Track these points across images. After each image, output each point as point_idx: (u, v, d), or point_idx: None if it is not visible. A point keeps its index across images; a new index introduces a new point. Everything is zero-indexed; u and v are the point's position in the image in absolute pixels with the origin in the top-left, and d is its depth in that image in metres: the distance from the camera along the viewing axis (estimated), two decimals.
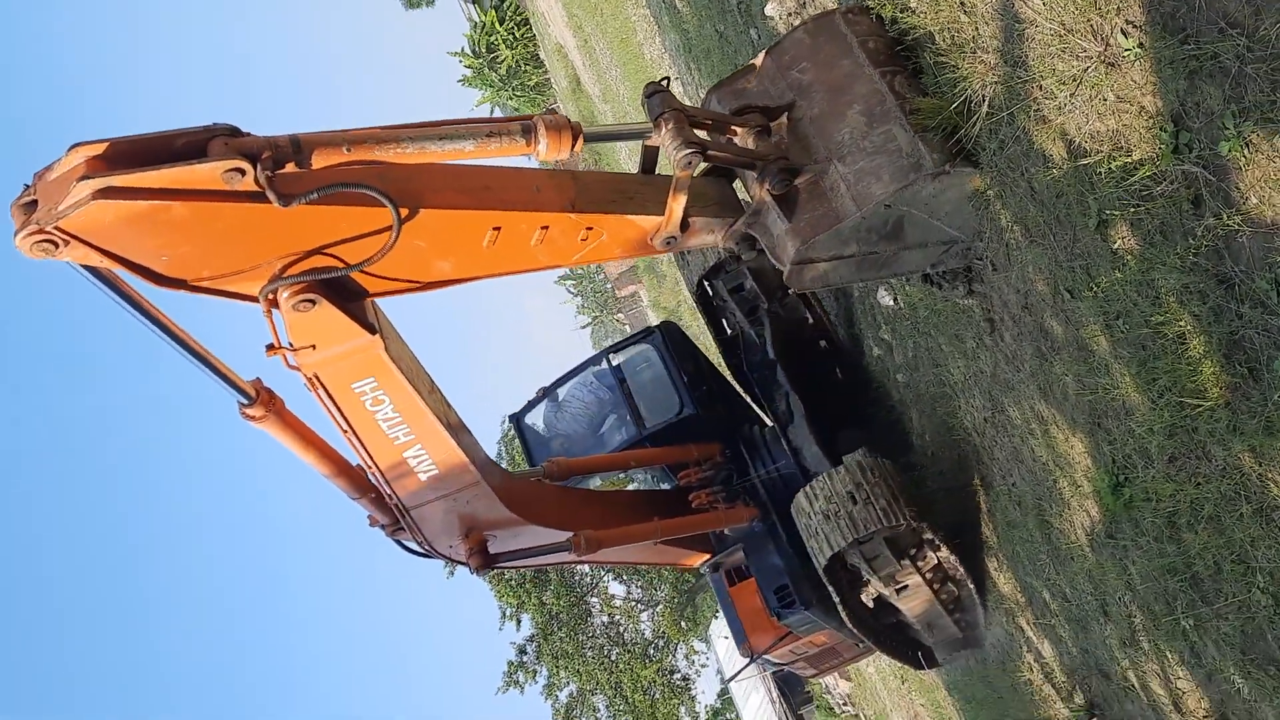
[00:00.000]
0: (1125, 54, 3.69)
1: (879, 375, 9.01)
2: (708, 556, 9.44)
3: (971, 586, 8.22)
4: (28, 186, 3.46)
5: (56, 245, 3.35)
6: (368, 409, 4.81)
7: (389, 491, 5.52)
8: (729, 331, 9.57)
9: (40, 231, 3.31)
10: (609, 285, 56.67)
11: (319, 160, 3.63)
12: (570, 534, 6.97)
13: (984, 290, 5.86)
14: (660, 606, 33.52)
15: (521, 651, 33.39)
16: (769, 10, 8.04)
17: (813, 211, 4.75)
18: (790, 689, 31.97)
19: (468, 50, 46.76)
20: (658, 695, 32.71)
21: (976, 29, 4.67)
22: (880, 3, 5.29)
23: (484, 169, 4.40)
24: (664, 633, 33.25)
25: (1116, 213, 4.12)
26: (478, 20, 47.18)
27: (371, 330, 4.36)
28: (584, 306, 60.92)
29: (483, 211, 4.22)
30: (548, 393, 10.22)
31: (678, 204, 4.67)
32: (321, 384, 4.58)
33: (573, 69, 30.86)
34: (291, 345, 4.28)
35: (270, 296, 3.99)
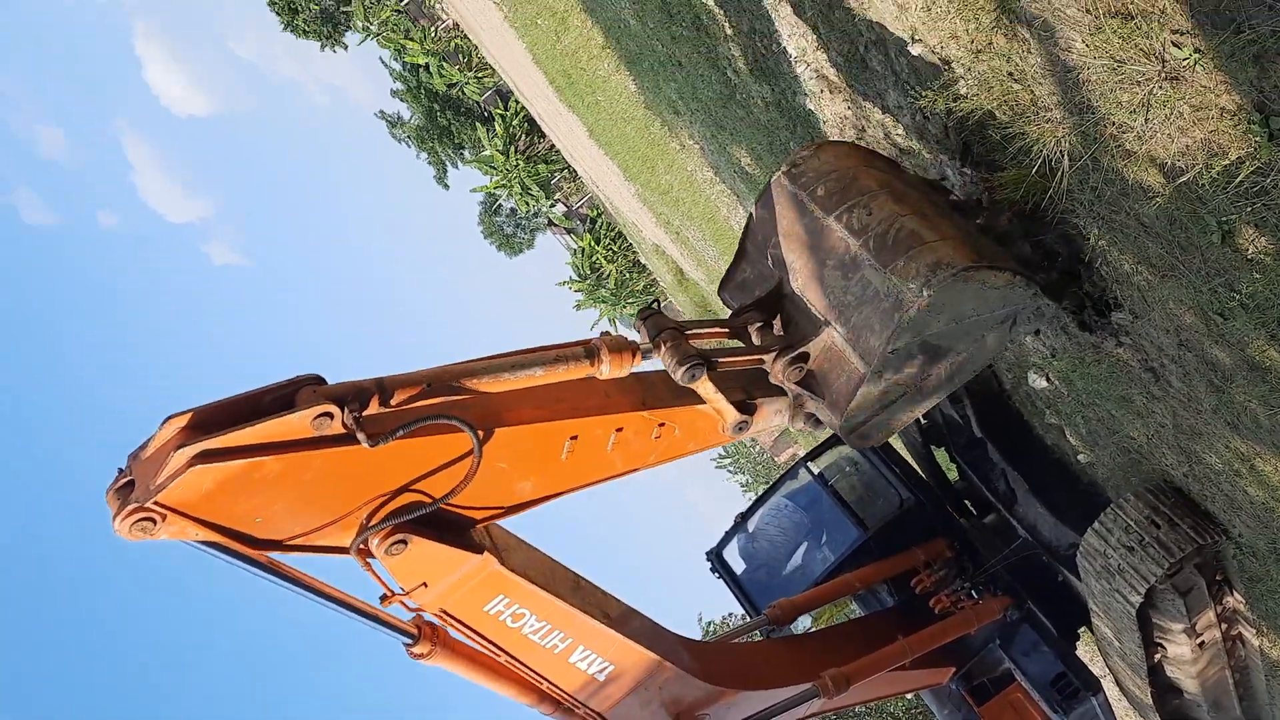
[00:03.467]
0: (1184, 64, 3.63)
1: (1059, 463, 8.55)
2: (953, 670, 8.77)
3: (1258, 642, 7.37)
4: (121, 470, 3.50)
5: (155, 522, 3.32)
6: (511, 626, 4.68)
7: (576, 701, 5.29)
8: (923, 421, 9.27)
9: (139, 510, 3.29)
10: (766, 454, 56.25)
11: (400, 397, 3.75)
12: (808, 684, 6.60)
13: (1133, 341, 5.59)
14: None
15: None
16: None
17: (837, 379, 4.58)
18: None
19: (574, 276, 49.04)
20: None
21: (1032, 92, 4.68)
22: (931, 99, 5.37)
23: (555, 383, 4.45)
24: None
25: (1235, 218, 3.93)
26: (576, 247, 49.68)
27: (478, 550, 4.31)
28: (749, 484, 60.37)
29: (559, 422, 4.27)
30: (745, 517, 9.85)
31: (714, 404, 4.64)
32: (453, 617, 4.49)
33: (673, 262, 31.90)
34: (404, 590, 4.25)
35: (362, 547, 3.99)
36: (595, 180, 38.08)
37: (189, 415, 3.46)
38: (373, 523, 3.92)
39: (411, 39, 49.88)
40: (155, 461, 3.41)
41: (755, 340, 4.77)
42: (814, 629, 9.91)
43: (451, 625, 4.55)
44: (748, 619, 9.23)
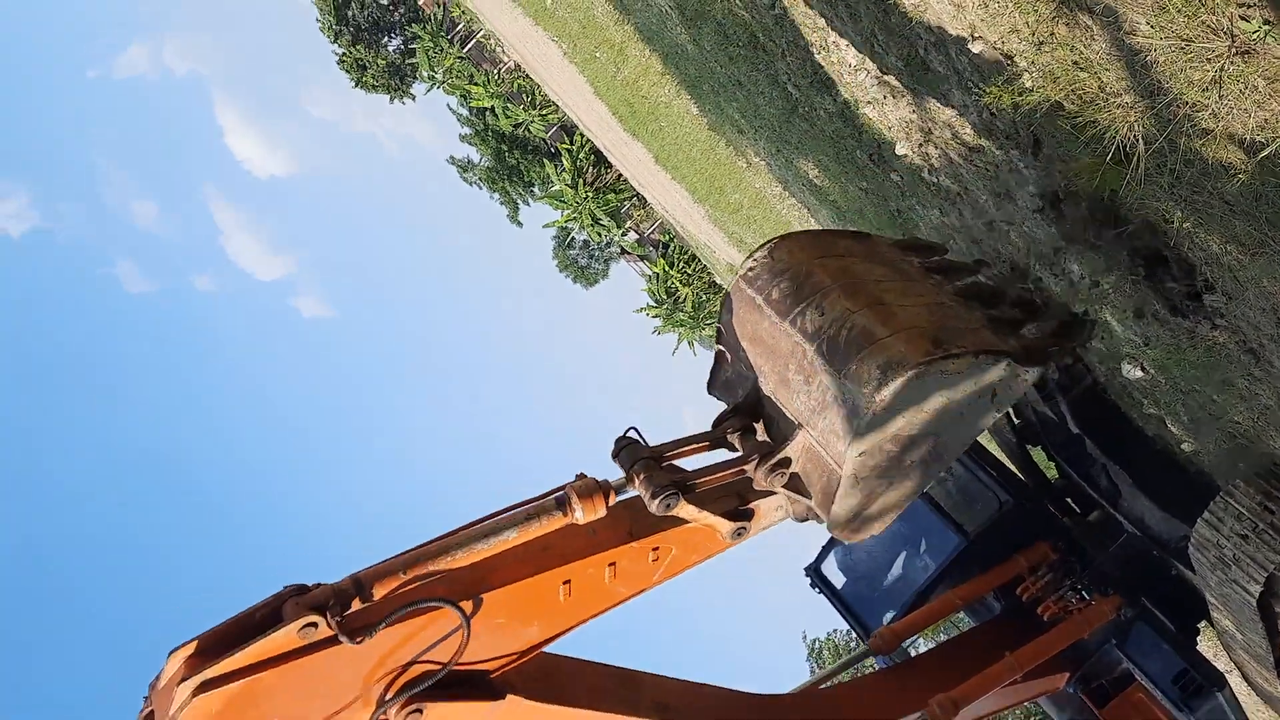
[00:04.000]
0: (1254, 37, 3.55)
1: (1163, 453, 8.31)
2: (1068, 675, 8.51)
3: None
4: (146, 698, 3.76)
5: None
6: None
7: None
8: (1017, 421, 9.08)
9: None
10: None
11: (380, 590, 3.85)
12: (916, 714, 6.50)
13: (1229, 323, 5.44)
14: None
15: None
16: (900, 150, 8.20)
17: (819, 480, 4.49)
18: None
19: (651, 302, 49.26)
20: None
21: (1099, 79, 4.62)
22: (997, 95, 5.33)
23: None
24: None
25: None
26: (650, 272, 49.93)
27: (499, 696, 4.35)
28: None
29: (546, 574, 4.28)
30: None
31: (700, 522, 4.58)
32: None
33: None
34: None
35: (382, 718, 4.09)
36: (665, 205, 38.30)
37: (194, 644, 3.69)
38: (387, 697, 4.06)
39: (475, 84, 51.01)
40: (168, 693, 3.67)
41: (738, 447, 4.66)
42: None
43: None
44: (851, 633, 9.09)
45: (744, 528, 4.69)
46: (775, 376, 4.50)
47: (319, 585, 3.86)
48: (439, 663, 4.11)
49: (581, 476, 4.27)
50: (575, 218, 49.74)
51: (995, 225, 7.55)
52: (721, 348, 4.84)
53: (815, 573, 9.76)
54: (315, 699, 3.94)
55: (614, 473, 4.35)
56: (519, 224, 58.13)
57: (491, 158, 53.83)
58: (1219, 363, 5.97)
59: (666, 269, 47.79)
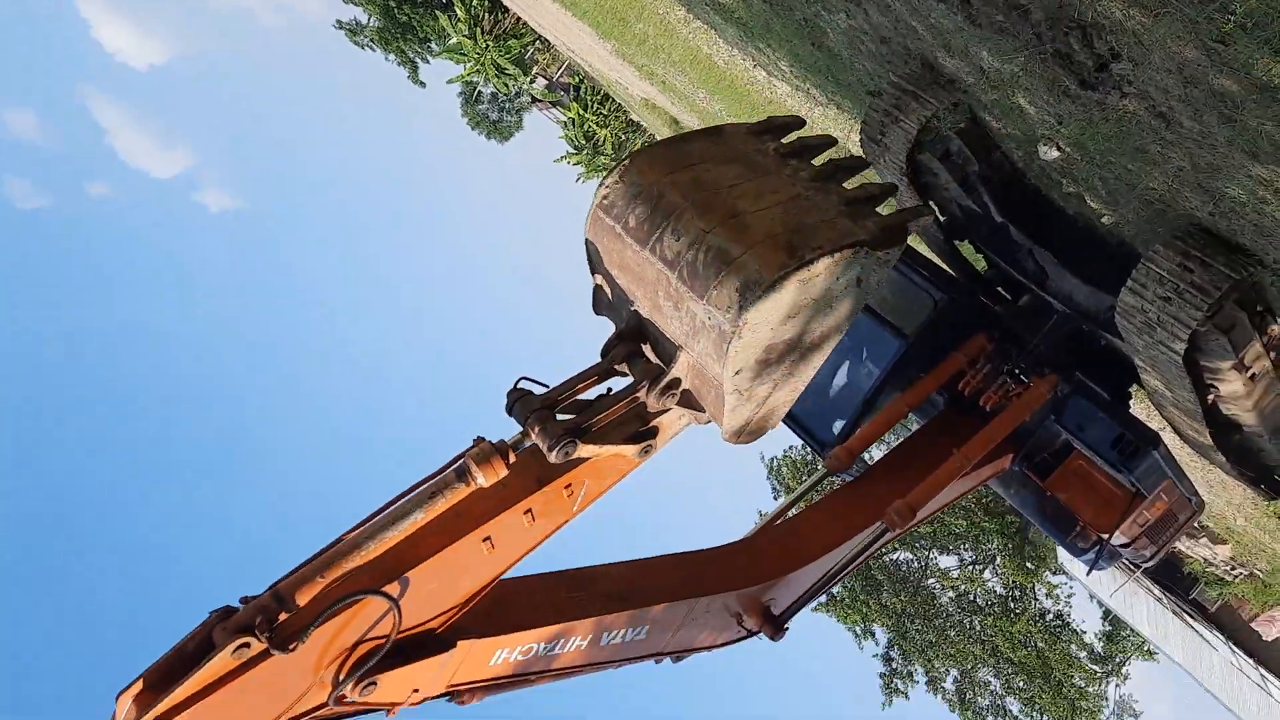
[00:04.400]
0: None
1: (1085, 230, 8.45)
2: (1012, 455, 8.83)
3: None
4: None
5: None
6: (524, 658, 4.86)
7: (641, 655, 5.51)
8: (942, 218, 9.13)
9: None
10: None
11: (303, 598, 3.92)
12: (876, 524, 6.69)
13: (1137, 89, 5.44)
14: (998, 559, 32.22)
15: (887, 659, 32.85)
16: None
17: (709, 394, 4.52)
18: (1171, 581, 29.69)
19: (570, 149, 48.32)
20: (1040, 644, 31.23)
21: None
22: None
23: None
24: (1015, 582, 31.86)
25: None
26: (565, 118, 48.77)
27: (450, 645, 4.48)
28: None
29: (464, 538, 4.35)
30: None
31: (604, 454, 4.62)
32: (468, 686, 4.71)
33: (666, 113, 31.26)
34: (400, 701, 4.46)
35: (340, 697, 4.21)
36: (569, 46, 37.09)
37: (139, 683, 3.78)
38: (340, 678, 4.19)
39: None
40: None
41: (629, 373, 4.65)
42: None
43: (474, 697, 4.79)
44: (807, 450, 9.30)
45: (650, 445, 4.78)
46: (648, 303, 4.46)
47: (245, 600, 3.95)
48: (382, 637, 4.22)
49: (479, 441, 4.31)
50: (479, 70, 48.02)
51: (902, 20, 7.40)
52: (598, 277, 4.75)
53: None
54: (269, 702, 4.09)
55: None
56: (421, 84, 56.03)
57: (380, 16, 51.33)
58: (1131, 131, 6.01)
59: (581, 113, 46.68)
